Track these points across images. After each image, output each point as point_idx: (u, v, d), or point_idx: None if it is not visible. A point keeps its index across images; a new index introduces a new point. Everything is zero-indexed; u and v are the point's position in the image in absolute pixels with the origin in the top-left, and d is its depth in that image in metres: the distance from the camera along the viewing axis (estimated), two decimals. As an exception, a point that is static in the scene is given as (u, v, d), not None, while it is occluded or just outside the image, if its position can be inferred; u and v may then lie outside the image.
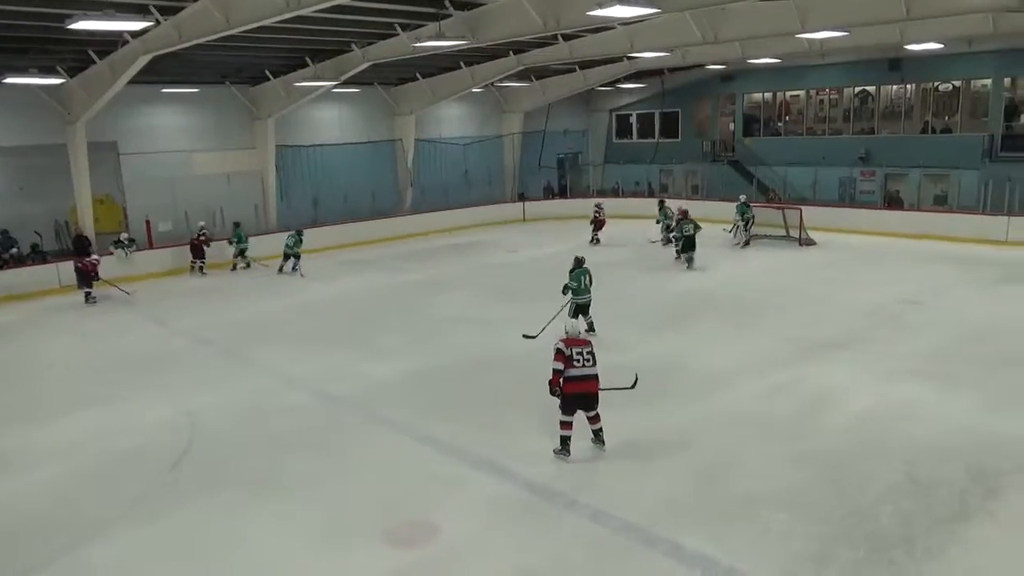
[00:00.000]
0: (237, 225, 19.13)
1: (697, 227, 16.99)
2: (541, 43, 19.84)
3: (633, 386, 7.72)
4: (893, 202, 22.55)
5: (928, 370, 9.76)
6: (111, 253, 17.47)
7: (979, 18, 15.89)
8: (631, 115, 30.91)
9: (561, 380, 7.29)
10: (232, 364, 11.41)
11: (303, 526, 6.51)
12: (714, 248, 18.82)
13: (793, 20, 14.90)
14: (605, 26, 17.11)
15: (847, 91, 25.46)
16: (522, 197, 27.60)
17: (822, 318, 12.53)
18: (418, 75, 23.52)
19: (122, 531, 6.60)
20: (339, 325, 13.47)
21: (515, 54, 21.27)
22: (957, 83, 23.20)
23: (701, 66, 25.65)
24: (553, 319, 11.36)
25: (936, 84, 23.67)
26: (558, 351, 7.33)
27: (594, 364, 7.40)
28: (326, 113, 23.66)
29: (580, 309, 11.50)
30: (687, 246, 16.89)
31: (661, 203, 20.81)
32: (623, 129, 31.44)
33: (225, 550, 6.25)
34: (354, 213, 22.17)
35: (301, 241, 18.17)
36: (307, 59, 19.16)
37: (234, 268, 18.81)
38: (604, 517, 6.45)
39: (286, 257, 18.13)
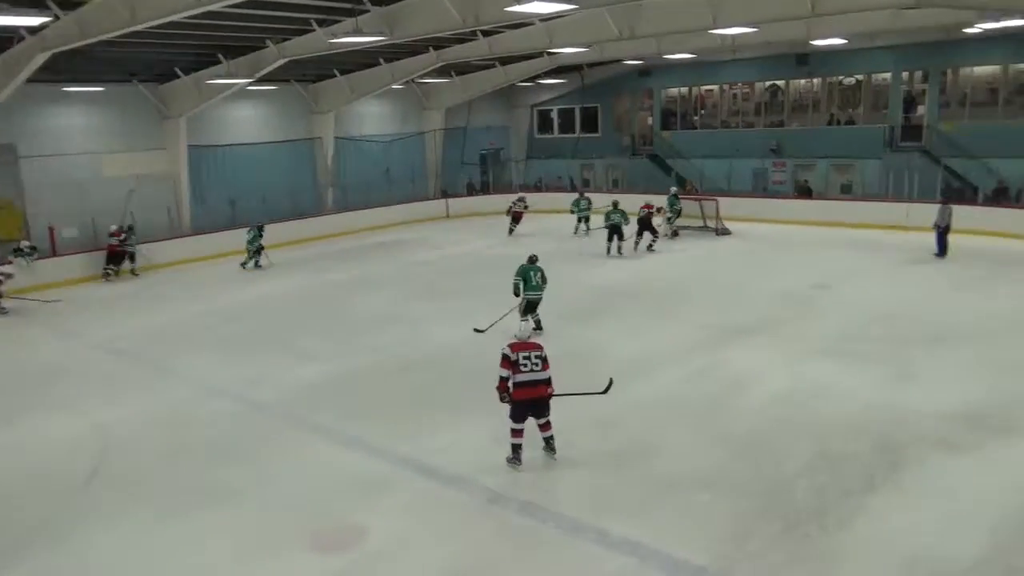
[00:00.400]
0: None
1: (626, 218, 17.36)
2: (461, 39, 19.81)
3: (606, 391, 7.52)
4: (803, 192, 23.50)
5: (837, 350, 10.24)
6: (10, 262, 16.52)
7: (880, 15, 16.67)
8: (552, 110, 31.21)
9: (510, 386, 7.09)
10: (148, 374, 10.96)
11: (227, 539, 6.33)
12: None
13: (706, 16, 15.32)
14: (524, 22, 17.21)
15: (758, 85, 26.37)
16: (445, 194, 27.53)
17: (738, 304, 12.96)
18: (336, 72, 23.13)
19: (30, 557, 6.24)
20: (261, 329, 13.13)
21: (435, 50, 21.17)
22: (860, 77, 24.34)
23: (619, 61, 26.11)
24: (505, 316, 11.40)
25: (840, 78, 24.77)
26: (504, 356, 7.11)
27: (544, 368, 7.15)
28: (241, 112, 22.97)
29: (529, 306, 11.52)
30: (611, 234, 17.35)
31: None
32: (545, 124, 31.72)
33: (144, 571, 6.02)
34: (273, 214, 21.64)
35: (261, 235, 18.39)
36: (220, 56, 18.56)
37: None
38: (531, 509, 6.52)
39: (251, 254, 18.23)
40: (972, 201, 19.45)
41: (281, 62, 18.11)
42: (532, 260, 11.80)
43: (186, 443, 8.36)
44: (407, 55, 21.63)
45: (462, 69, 25.48)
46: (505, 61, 24.68)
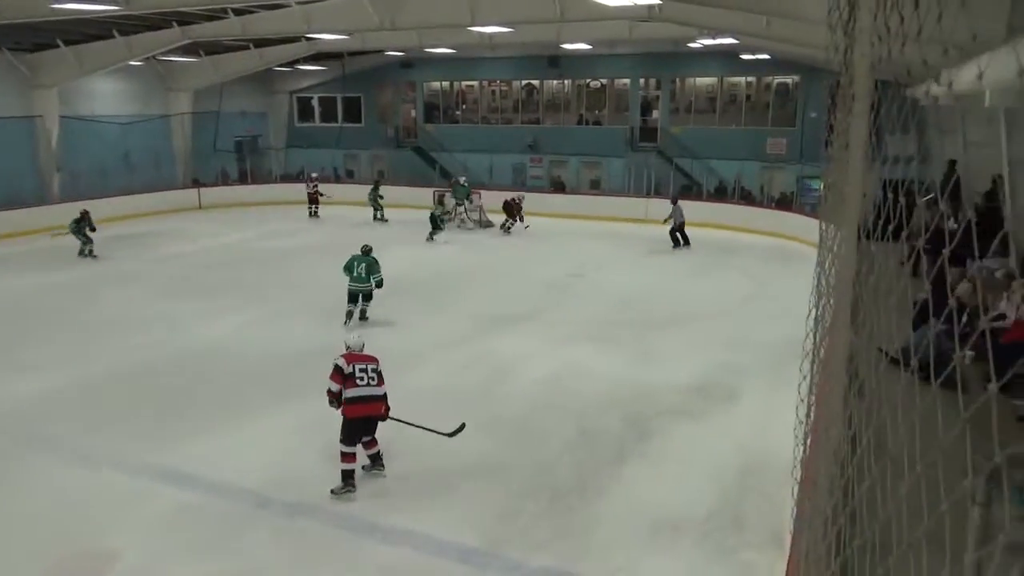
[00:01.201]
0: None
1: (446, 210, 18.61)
2: (209, 16, 18.39)
3: (453, 434, 6.96)
4: (557, 186, 25.03)
5: (593, 334, 11.06)
6: None
7: (619, 25, 18.19)
8: (313, 98, 30.18)
9: (341, 401, 6.43)
10: None
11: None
12: (402, 231, 19.29)
13: (464, 13, 15.69)
14: (279, 3, 16.41)
15: (515, 83, 27.59)
16: (197, 183, 25.49)
17: (503, 294, 13.51)
18: (60, 42, 20.37)
19: None
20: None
21: (180, 26, 19.43)
22: (604, 81, 26.41)
23: (381, 52, 25.88)
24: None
25: (588, 81, 26.69)
26: (336, 368, 6.44)
27: (380, 383, 6.58)
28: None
29: (351, 296, 11.47)
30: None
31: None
32: (305, 112, 30.59)
33: None
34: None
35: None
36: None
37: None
38: (301, 510, 6.30)
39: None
40: (699, 197, 21.98)
41: (-15, 26, 15.58)
42: (364, 251, 11.66)
43: None
44: (147, 29, 19.62)
45: (212, 49, 23.68)
46: (261, 44, 23.35)
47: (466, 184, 20.98)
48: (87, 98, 23.16)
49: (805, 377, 4.28)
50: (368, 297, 11.56)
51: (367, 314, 11.61)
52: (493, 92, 28.29)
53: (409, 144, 28.48)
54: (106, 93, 23.86)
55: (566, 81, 26.68)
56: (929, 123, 10.77)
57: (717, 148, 23.38)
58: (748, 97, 24.59)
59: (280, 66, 26.33)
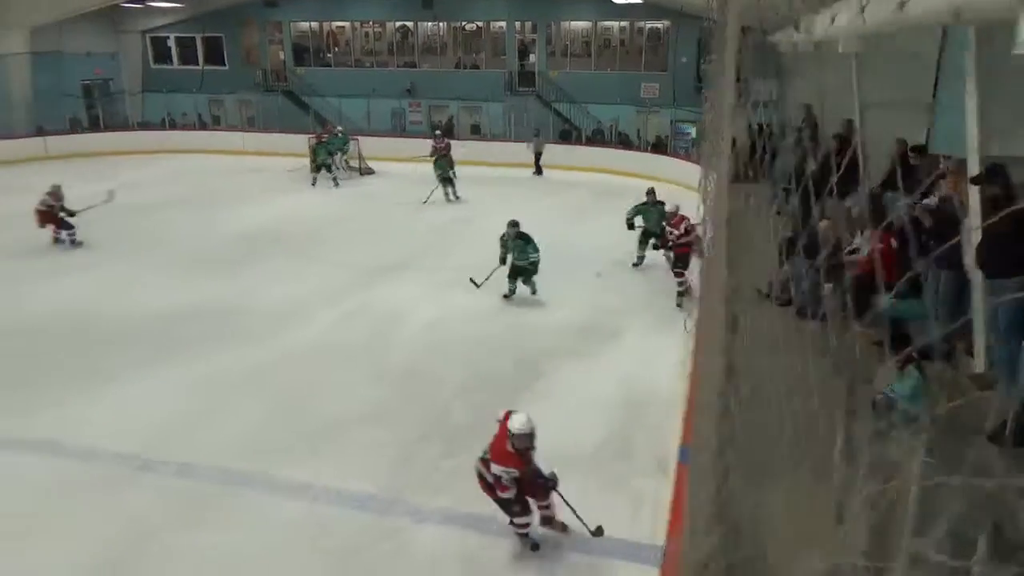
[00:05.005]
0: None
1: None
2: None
3: (596, 533, 5.32)
4: (446, 132, 24.58)
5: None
6: None
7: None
8: (169, 38, 28.01)
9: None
10: None
11: None
12: (277, 180, 18.58)
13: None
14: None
15: (389, 25, 26.70)
16: (41, 130, 23.30)
17: (384, 242, 13.33)
18: None
19: None
20: None
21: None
22: (480, 24, 26.02)
23: (242, -12, 24.31)
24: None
25: (463, 24, 26.21)
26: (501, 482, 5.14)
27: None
28: None
29: (515, 271, 10.33)
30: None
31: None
32: (161, 54, 28.37)
33: None
34: None
35: None
36: None
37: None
38: (190, 469, 6.14)
39: None
40: (578, 141, 22.30)
41: None
42: (514, 225, 10.37)
43: None
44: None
45: (49, -19, 21.47)
46: (106, -24, 21.36)
47: (342, 134, 20.24)
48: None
49: (688, 315, 4.55)
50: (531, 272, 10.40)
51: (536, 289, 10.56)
52: (366, 34, 27.28)
53: (279, 88, 27.12)
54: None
55: (441, 24, 26.10)
56: (789, 69, 11.36)
57: (594, 93, 23.69)
58: (622, 42, 24.95)
59: (127, 2, 24.22)
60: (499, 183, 18.99)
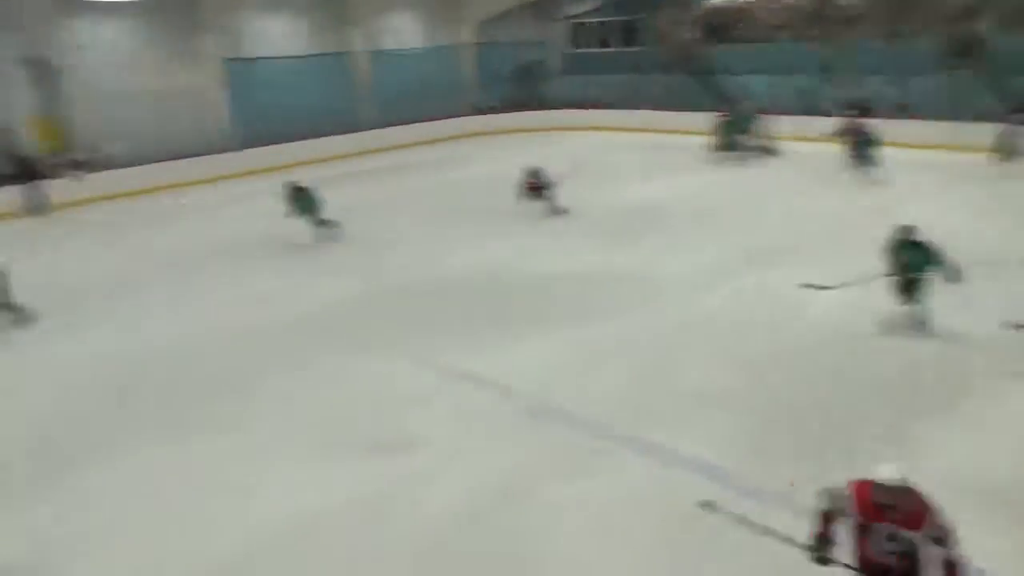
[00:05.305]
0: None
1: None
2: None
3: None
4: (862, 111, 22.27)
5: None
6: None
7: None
8: (588, 23, 29.97)
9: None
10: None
11: (286, 446, 6.62)
12: (672, 158, 18.83)
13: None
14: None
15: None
16: (485, 110, 26.87)
17: (782, 225, 12.71)
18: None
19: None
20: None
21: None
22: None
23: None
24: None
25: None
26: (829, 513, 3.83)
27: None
28: (269, 23, 22.52)
29: (904, 286, 8.15)
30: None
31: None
32: (580, 38, 30.50)
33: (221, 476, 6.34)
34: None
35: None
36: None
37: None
38: (570, 419, 6.73)
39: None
40: None
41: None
42: (905, 231, 8.22)
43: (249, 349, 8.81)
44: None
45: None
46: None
47: (749, 112, 19.48)
48: (388, 32, 25.46)
49: None
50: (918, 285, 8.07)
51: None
52: (776, 9, 25.77)
53: (689, 67, 27.12)
54: (402, 29, 25.99)
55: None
56: None
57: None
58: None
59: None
60: (934, 170, 16.18)
